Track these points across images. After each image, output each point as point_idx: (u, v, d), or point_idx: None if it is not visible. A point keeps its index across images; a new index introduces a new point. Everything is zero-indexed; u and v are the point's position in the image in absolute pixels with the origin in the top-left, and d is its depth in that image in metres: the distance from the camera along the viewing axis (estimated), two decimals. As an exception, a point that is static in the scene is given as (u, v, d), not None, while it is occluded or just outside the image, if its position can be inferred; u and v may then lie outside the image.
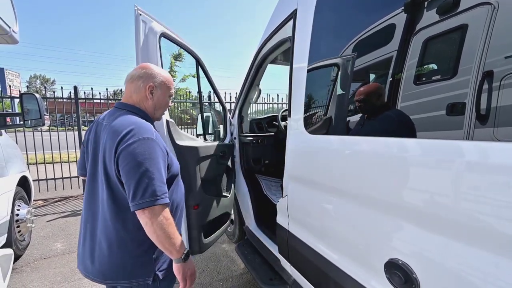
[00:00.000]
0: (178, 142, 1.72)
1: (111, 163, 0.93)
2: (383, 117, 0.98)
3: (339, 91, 1.25)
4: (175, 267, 0.98)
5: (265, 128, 2.87)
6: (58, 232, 3.27)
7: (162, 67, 1.68)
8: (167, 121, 1.70)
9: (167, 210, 0.92)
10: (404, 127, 0.88)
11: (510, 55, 0.60)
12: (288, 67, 1.53)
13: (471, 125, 0.66)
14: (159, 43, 1.63)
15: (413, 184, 0.82)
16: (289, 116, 1.51)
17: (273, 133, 2.72)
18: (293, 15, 1.49)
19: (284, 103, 8.10)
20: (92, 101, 5.35)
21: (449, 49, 0.78)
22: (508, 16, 0.61)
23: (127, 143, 0.90)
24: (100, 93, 5.21)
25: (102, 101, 5.24)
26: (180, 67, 7.97)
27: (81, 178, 1.46)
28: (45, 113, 2.75)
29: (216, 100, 6.37)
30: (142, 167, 0.88)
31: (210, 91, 5.59)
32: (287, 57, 2.28)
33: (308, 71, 1.34)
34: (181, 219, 1.22)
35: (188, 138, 1.89)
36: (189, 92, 6.98)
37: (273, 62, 2.29)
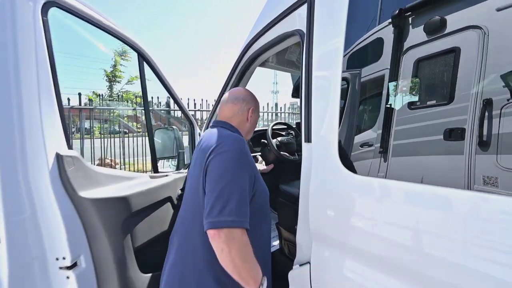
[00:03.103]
0: (82, 193, 0.97)
1: (200, 176, 0.91)
2: None
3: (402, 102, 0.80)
4: None
5: (250, 146, 2.31)
6: None
7: (51, 51, 0.96)
8: (60, 156, 0.93)
9: (246, 234, 0.84)
10: None
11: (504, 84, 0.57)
12: (284, 71, 1.07)
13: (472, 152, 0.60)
14: (43, 15, 0.94)
15: None
16: (307, 141, 1.03)
17: (259, 153, 2.17)
18: (306, 0, 1.05)
19: (273, 112, 7.55)
20: None
21: None
22: (499, 42, 0.57)
23: (217, 152, 0.89)
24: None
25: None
26: (127, 67, 6.94)
27: None
28: None
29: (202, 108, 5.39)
30: (226, 177, 0.85)
31: (168, 97, 4.72)
32: (285, 58, 1.82)
33: (345, 76, 0.89)
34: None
35: (111, 180, 1.13)
36: (141, 97, 5.96)
37: (263, 65, 1.77)
